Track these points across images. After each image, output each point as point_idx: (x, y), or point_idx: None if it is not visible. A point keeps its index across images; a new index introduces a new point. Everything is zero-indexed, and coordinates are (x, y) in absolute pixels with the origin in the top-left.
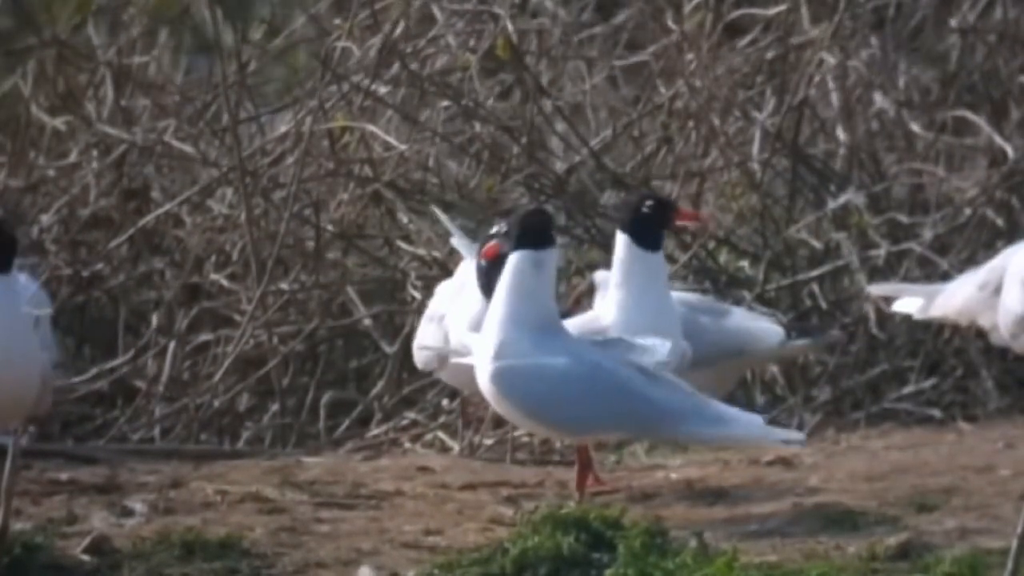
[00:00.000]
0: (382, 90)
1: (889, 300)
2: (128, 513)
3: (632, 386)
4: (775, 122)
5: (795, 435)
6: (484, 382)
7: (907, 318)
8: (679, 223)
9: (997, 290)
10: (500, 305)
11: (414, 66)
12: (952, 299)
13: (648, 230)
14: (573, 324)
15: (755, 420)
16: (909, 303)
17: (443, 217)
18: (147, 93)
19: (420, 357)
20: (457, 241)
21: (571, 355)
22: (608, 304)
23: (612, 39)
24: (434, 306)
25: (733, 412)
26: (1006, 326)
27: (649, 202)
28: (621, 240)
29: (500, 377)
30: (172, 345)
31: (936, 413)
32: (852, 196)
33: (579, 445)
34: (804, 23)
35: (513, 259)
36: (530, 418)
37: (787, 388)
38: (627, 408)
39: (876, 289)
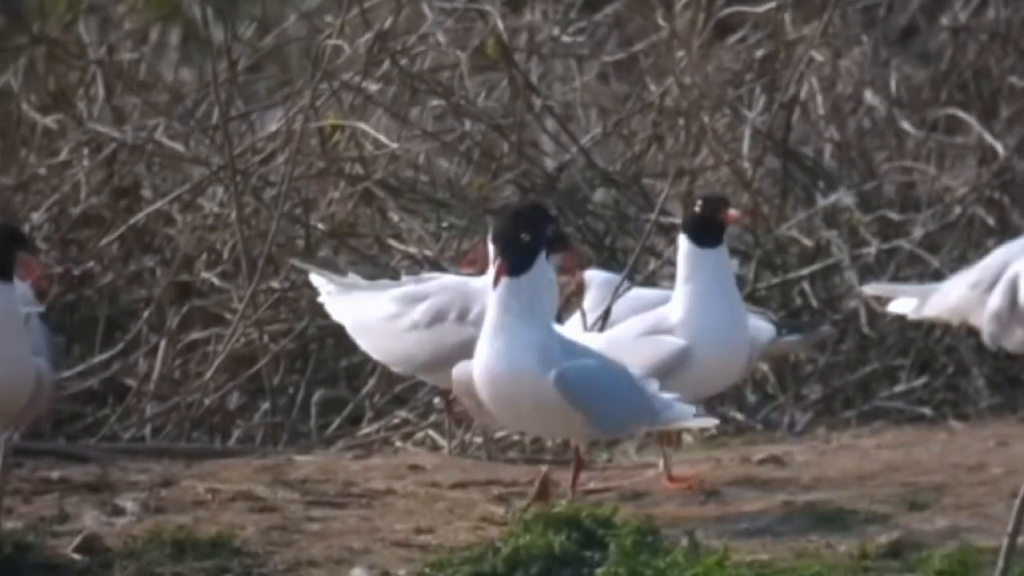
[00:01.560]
0: (372, 87)
1: (883, 300)
2: (119, 512)
3: (641, 382)
4: (765, 120)
5: (708, 421)
6: (537, 389)
7: (898, 317)
8: (728, 220)
9: (989, 289)
10: (525, 315)
11: (404, 63)
12: (945, 299)
13: (702, 228)
14: (640, 323)
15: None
16: (903, 304)
17: (311, 269)
18: (138, 91)
19: (410, 360)
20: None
21: (596, 356)
22: (675, 303)
23: (602, 37)
24: (431, 312)
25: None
26: (985, 321)
27: (699, 201)
28: (681, 240)
29: (565, 381)
30: (163, 343)
31: (927, 411)
32: (843, 194)
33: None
34: (793, 22)
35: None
36: (592, 418)
37: (778, 387)
38: (642, 403)
39: (870, 289)
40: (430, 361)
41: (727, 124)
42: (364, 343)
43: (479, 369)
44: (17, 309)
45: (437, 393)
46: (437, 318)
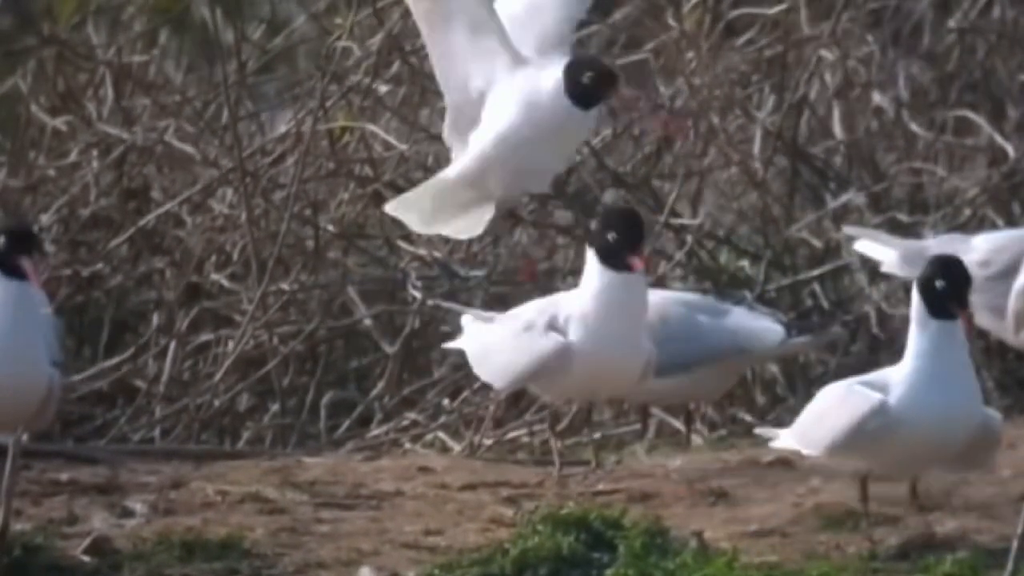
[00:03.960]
0: (383, 89)
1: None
2: (128, 513)
3: None
4: (775, 120)
5: None
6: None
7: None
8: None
9: (1000, 276)
10: None
11: (414, 61)
12: None
13: (609, 245)
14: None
15: None
16: (877, 250)
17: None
18: (147, 93)
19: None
20: None
21: None
22: (570, 299)
23: (611, 37)
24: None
25: None
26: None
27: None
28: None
29: None
30: (172, 345)
31: None
32: (852, 195)
33: None
34: (803, 23)
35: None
36: None
37: (788, 388)
38: None
39: (850, 230)
40: (524, 371)
41: (737, 125)
42: (478, 370)
43: (948, 413)
44: (33, 311)
45: (447, 395)
46: (527, 326)
